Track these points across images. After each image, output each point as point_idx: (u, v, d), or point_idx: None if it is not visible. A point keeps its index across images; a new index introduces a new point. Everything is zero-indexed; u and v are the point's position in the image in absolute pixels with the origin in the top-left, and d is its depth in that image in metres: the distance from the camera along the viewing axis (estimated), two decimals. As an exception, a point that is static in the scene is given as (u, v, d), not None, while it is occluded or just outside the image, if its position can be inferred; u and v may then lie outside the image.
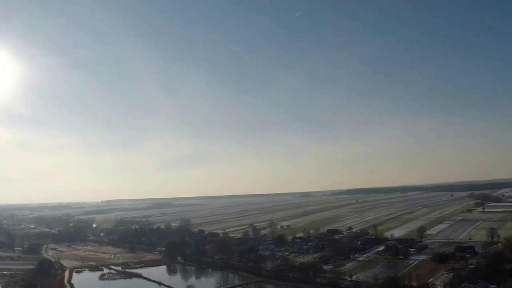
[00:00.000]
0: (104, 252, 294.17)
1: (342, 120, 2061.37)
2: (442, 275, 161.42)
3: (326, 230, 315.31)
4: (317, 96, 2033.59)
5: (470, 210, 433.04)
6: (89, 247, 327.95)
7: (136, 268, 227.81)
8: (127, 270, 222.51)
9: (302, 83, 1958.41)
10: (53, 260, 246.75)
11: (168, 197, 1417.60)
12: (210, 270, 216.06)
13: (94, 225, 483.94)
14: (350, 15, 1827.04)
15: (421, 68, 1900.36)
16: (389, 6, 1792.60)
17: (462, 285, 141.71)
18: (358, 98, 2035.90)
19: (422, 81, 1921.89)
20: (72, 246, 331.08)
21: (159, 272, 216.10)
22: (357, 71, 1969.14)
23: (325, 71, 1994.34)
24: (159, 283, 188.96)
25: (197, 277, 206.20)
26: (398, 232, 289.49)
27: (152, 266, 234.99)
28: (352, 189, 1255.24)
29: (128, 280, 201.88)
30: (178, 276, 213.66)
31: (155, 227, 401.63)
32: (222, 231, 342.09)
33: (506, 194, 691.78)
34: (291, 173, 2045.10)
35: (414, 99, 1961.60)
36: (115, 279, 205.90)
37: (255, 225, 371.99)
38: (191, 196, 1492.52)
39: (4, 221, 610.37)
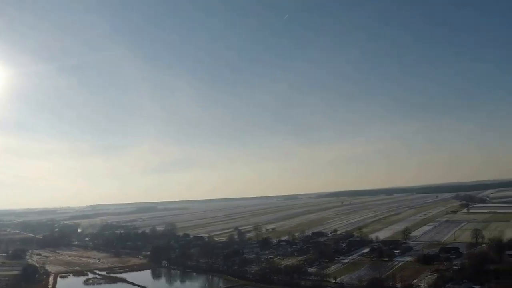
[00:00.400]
0: (89, 257, 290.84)
1: (328, 123, 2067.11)
2: (427, 276, 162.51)
3: (311, 232, 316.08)
4: (304, 99, 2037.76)
5: (455, 212, 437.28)
6: (74, 252, 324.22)
7: (120, 272, 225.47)
8: (111, 274, 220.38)
9: (289, 86, 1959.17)
10: (37, 266, 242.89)
11: (153, 201, 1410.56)
12: (195, 273, 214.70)
13: (79, 230, 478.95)
14: (337, 18, 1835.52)
15: (407, 71, 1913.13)
16: (377, 9, 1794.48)
17: (447, 286, 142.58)
18: (345, 101, 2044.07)
19: (408, 84, 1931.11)
20: (57, 251, 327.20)
21: (144, 277, 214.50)
22: (344, 74, 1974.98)
23: (313, 74, 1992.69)
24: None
25: (182, 281, 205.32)
26: (383, 234, 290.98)
27: (137, 270, 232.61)
28: (338, 191, 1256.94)
29: (113, 285, 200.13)
30: (163, 280, 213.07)
31: (140, 231, 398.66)
32: (207, 235, 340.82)
33: (491, 195, 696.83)
34: (277, 176, 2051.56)
35: (400, 102, 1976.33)
36: (100, 284, 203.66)
37: (240, 228, 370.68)
38: (177, 200, 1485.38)
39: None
